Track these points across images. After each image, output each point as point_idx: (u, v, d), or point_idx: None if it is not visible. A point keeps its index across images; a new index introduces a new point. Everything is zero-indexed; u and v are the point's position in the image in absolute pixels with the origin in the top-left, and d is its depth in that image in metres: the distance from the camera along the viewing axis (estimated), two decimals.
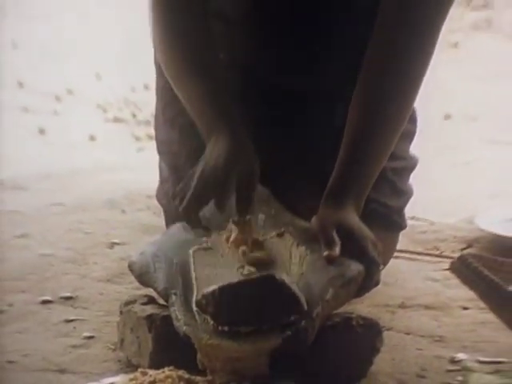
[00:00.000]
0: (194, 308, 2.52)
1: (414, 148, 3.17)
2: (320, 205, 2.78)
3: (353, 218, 2.73)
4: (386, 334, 2.67)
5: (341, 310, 2.68)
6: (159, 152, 3.06)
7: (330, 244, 2.65)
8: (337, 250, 2.65)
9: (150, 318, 2.64)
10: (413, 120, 3.15)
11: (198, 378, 2.49)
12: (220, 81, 2.86)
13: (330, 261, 2.63)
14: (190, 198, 2.59)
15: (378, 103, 2.83)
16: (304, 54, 2.90)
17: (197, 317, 2.53)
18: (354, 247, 2.70)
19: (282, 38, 2.94)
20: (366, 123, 2.80)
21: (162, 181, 3.08)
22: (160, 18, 2.94)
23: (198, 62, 2.89)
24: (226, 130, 2.68)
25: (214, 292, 2.44)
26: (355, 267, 2.70)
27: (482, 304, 2.68)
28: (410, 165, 3.16)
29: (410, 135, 3.16)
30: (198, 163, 2.70)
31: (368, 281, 2.69)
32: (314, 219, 2.75)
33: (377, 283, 2.80)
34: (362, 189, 2.78)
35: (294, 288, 2.50)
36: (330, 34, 2.88)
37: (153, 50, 3.04)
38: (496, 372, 2.65)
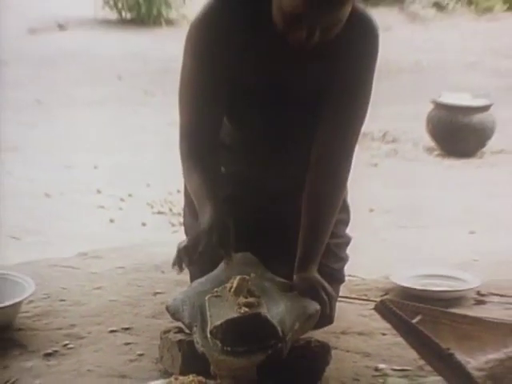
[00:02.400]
0: (208, 335, 2.51)
1: (349, 230, 3.11)
2: (295, 271, 2.72)
3: (318, 276, 2.69)
4: (333, 351, 2.64)
5: (304, 336, 2.62)
6: (186, 233, 3.00)
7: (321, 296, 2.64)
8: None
9: (179, 342, 2.64)
10: (347, 211, 3.10)
11: (211, 382, 2.49)
12: (213, 178, 2.76)
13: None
14: (185, 245, 2.56)
15: (324, 198, 2.77)
16: (278, 168, 2.84)
17: (210, 341, 2.51)
18: (317, 295, 2.63)
19: (263, 159, 2.88)
20: (316, 213, 2.74)
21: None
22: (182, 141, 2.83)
23: (200, 165, 2.78)
24: (211, 208, 2.61)
25: (221, 324, 2.45)
26: (313, 308, 2.67)
27: (394, 331, 2.62)
28: (346, 241, 3.12)
29: (345, 222, 3.11)
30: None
31: (323, 318, 2.62)
32: (297, 281, 2.69)
33: (330, 321, 2.80)
34: (319, 256, 2.73)
35: (274, 322, 2.48)
36: (294, 155, 2.83)
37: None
38: (404, 376, 2.66)
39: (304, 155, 2.79)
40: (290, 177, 2.83)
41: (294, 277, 2.69)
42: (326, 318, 2.67)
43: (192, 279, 2.87)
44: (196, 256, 2.58)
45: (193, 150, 2.80)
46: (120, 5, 12.34)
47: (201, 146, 2.79)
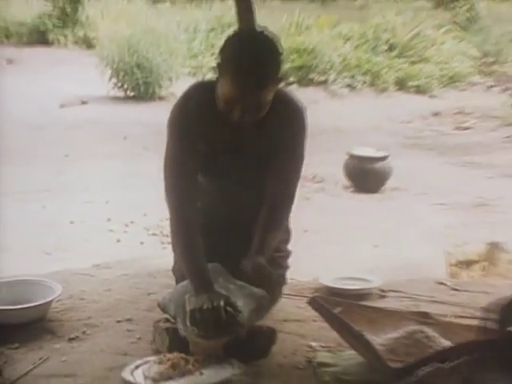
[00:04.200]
0: (188, 323, 2.44)
1: (290, 246, 3.07)
2: (248, 258, 2.62)
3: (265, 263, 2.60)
4: (278, 334, 2.62)
5: (257, 323, 2.61)
6: (173, 250, 2.93)
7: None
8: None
9: (167, 329, 2.61)
10: (288, 233, 3.07)
11: (190, 357, 2.45)
12: (196, 241, 2.69)
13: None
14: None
15: (273, 224, 2.74)
16: (239, 204, 2.79)
17: (189, 328, 2.46)
18: (260, 272, 2.59)
19: (228, 198, 2.84)
20: (266, 233, 2.68)
21: (175, 262, 2.95)
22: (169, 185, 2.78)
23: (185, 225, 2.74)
24: (202, 288, 2.54)
25: (196, 315, 2.42)
26: (266, 301, 2.67)
27: (322, 319, 2.60)
28: (287, 254, 3.07)
29: (287, 240, 3.07)
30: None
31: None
32: (246, 264, 2.60)
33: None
34: (266, 254, 2.63)
35: (235, 313, 2.45)
36: (250, 195, 2.79)
37: None
38: (329, 351, 2.62)
39: (258, 194, 2.76)
40: (248, 209, 2.79)
41: (244, 261, 2.62)
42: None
43: (177, 283, 2.83)
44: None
45: (177, 203, 2.74)
46: (125, 86, 12.30)
47: (183, 198, 2.74)
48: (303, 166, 2.82)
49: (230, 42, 2.67)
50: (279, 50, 2.70)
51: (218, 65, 2.63)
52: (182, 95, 2.82)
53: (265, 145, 2.73)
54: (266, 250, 2.68)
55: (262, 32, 2.71)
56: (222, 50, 2.65)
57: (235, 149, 2.74)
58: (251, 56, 2.55)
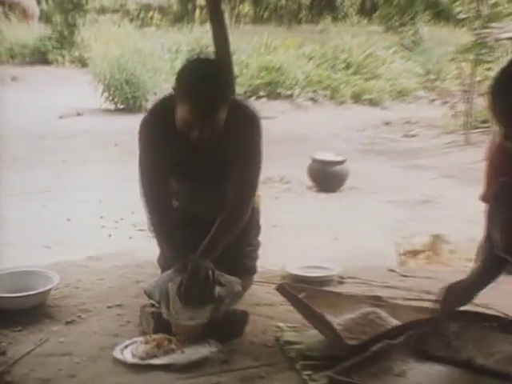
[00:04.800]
0: (171, 308, 2.45)
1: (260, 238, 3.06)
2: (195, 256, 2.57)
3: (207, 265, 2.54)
4: (250, 316, 2.62)
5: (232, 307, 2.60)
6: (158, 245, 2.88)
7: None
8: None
9: (152, 313, 2.60)
10: (258, 227, 3.06)
11: (173, 338, 2.45)
12: (173, 234, 2.70)
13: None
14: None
15: (232, 220, 2.70)
16: (205, 202, 2.76)
17: (172, 312, 2.45)
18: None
19: (197, 197, 2.82)
20: (225, 228, 2.66)
21: (159, 254, 2.91)
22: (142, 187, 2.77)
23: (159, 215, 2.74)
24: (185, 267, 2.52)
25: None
26: (238, 288, 2.65)
27: (288, 303, 2.58)
28: (258, 246, 3.05)
29: (258, 233, 3.05)
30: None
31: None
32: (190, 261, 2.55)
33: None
34: (214, 254, 2.58)
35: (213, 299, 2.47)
36: (215, 194, 2.73)
37: None
38: (294, 331, 2.61)
39: (222, 194, 2.71)
40: (212, 206, 2.73)
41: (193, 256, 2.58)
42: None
43: (161, 272, 2.80)
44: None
45: (152, 201, 2.74)
46: (116, 99, 12.27)
47: (156, 196, 2.74)
48: (261, 168, 2.77)
49: (182, 72, 2.65)
50: (226, 74, 2.70)
51: (175, 91, 2.62)
52: (148, 111, 2.81)
53: (224, 152, 2.69)
54: (216, 250, 2.62)
55: (209, 60, 2.74)
56: (177, 79, 2.63)
57: (197, 157, 2.71)
58: (200, 85, 2.53)
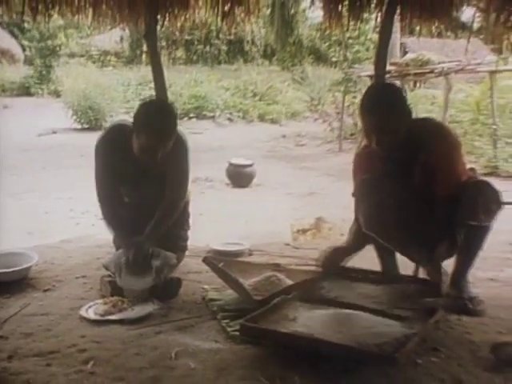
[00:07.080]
0: (122, 277, 2.40)
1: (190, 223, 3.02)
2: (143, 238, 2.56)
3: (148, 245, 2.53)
4: (183, 282, 2.57)
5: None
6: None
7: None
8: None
9: (110, 281, 2.56)
10: (189, 215, 2.99)
11: (125, 299, 2.43)
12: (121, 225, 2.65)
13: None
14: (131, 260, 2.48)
15: (166, 216, 2.66)
16: (146, 204, 2.68)
17: (123, 280, 2.38)
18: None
19: (140, 201, 2.73)
20: (161, 221, 2.62)
21: (114, 237, 2.83)
22: (97, 189, 2.71)
23: (109, 205, 2.69)
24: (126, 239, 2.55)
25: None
26: (173, 261, 2.63)
27: (211, 271, 2.56)
28: (188, 229, 2.99)
29: (188, 220, 2.97)
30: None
31: None
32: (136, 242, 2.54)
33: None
34: (156, 235, 2.58)
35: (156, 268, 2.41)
36: (154, 198, 2.64)
37: None
38: (217, 291, 2.60)
39: (159, 198, 2.64)
40: (152, 202, 2.66)
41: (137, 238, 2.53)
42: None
43: (116, 250, 2.73)
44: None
45: (103, 200, 2.69)
46: (82, 121, 12.15)
47: (105, 196, 2.69)
48: (189, 174, 2.73)
49: (138, 112, 2.57)
50: (173, 114, 2.65)
51: (133, 124, 2.56)
52: (104, 131, 2.74)
53: (162, 167, 2.64)
54: (157, 234, 2.58)
55: (160, 102, 2.67)
56: (134, 116, 2.57)
57: (142, 171, 2.66)
58: (153, 125, 2.49)
